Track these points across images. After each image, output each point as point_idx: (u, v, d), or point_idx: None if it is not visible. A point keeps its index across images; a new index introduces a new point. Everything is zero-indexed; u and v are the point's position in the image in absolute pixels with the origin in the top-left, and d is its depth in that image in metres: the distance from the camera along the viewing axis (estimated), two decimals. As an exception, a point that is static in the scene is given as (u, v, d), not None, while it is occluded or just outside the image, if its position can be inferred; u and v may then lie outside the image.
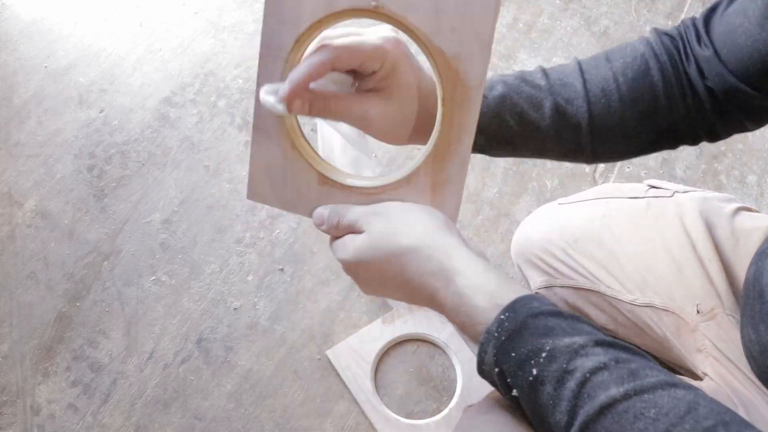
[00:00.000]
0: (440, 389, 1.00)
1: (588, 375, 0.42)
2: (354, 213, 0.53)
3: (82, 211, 1.13)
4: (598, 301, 0.83)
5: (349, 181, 0.55)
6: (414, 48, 0.52)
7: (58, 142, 1.20)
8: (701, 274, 0.74)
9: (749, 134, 1.32)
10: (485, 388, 1.02)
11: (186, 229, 1.12)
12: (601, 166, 1.25)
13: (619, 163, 1.26)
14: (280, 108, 0.49)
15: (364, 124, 0.53)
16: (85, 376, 0.99)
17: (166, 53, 1.33)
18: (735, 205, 0.79)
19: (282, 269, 1.09)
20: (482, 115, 0.53)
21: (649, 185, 0.85)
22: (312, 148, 0.55)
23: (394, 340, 1.02)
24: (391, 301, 1.06)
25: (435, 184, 0.53)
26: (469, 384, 0.99)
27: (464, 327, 0.48)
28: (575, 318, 0.45)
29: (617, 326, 0.86)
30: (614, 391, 0.41)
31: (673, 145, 0.64)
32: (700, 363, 0.74)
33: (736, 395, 0.68)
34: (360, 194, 0.54)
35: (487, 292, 0.47)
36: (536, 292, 0.68)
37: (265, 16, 0.50)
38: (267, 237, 1.12)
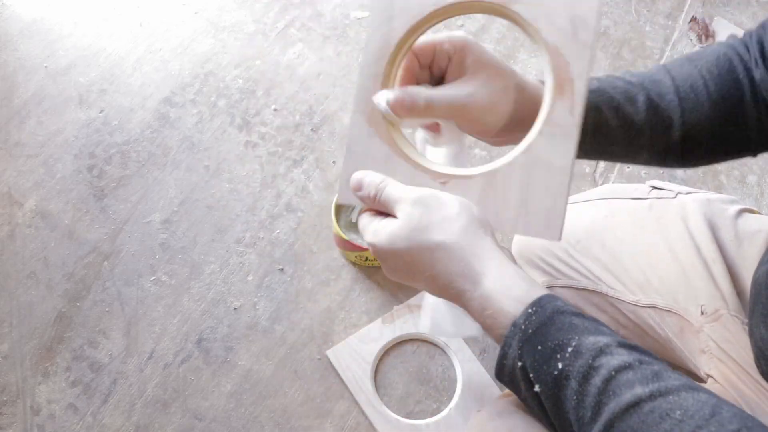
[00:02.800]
0: (440, 389, 1.00)
1: (613, 373, 0.42)
2: (394, 192, 0.52)
3: (82, 211, 1.13)
4: (600, 301, 0.83)
5: (423, 162, 0.55)
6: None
7: (58, 142, 1.20)
8: (705, 276, 0.74)
9: (749, 134, 1.32)
10: (485, 389, 1.02)
11: (186, 229, 1.12)
12: (601, 165, 1.25)
13: (619, 163, 1.26)
14: (389, 112, 0.53)
15: (461, 109, 0.54)
16: (85, 376, 0.99)
17: (166, 53, 1.33)
18: (738, 207, 0.79)
19: (282, 269, 1.09)
20: None
21: (651, 186, 0.85)
22: (412, 146, 0.56)
23: (394, 340, 1.02)
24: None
25: (527, 184, 0.51)
26: (469, 384, 0.99)
27: (489, 328, 0.48)
28: (596, 320, 0.46)
29: (619, 327, 0.86)
30: (640, 390, 0.41)
31: (753, 149, 0.63)
32: (704, 364, 0.74)
33: (741, 398, 0.68)
34: (428, 175, 0.54)
35: (514, 296, 0.46)
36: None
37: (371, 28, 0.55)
38: (267, 237, 1.12)
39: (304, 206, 1.16)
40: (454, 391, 0.99)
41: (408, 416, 0.97)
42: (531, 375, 0.44)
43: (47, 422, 0.95)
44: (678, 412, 0.40)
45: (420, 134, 0.61)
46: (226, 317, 1.05)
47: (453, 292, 0.49)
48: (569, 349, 0.43)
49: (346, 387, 0.99)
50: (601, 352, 0.43)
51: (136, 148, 1.20)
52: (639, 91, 0.60)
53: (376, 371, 1.01)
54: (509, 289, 0.47)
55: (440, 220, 0.49)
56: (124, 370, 1.00)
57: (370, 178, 0.53)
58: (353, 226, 1.08)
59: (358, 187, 0.54)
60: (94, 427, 0.95)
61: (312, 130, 1.25)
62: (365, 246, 1.03)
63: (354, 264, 1.10)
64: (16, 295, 1.05)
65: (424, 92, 0.54)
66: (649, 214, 0.81)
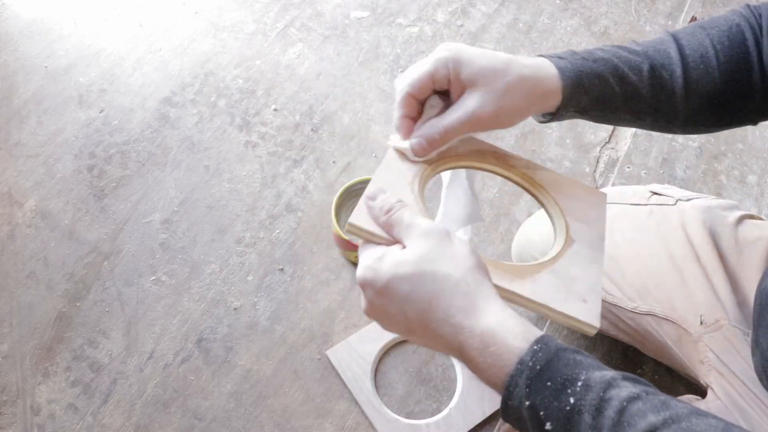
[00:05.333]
0: (440, 389, 1.00)
1: (625, 403, 0.42)
2: (408, 216, 0.51)
3: (82, 211, 1.13)
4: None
5: None
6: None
7: (58, 142, 1.20)
8: (705, 285, 0.74)
9: (749, 134, 1.32)
10: (485, 389, 1.02)
11: (186, 229, 1.12)
12: (601, 165, 1.25)
13: (619, 163, 1.26)
14: (406, 147, 0.58)
15: (475, 123, 0.57)
16: (85, 376, 0.99)
17: (166, 53, 1.33)
18: (738, 214, 0.78)
19: (282, 269, 1.09)
20: (586, 75, 0.58)
21: (651, 191, 0.84)
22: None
23: (394, 340, 1.02)
24: None
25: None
26: (469, 384, 0.99)
27: (488, 368, 0.46)
28: (593, 357, 0.46)
29: (618, 332, 0.85)
30: (653, 418, 0.41)
31: (755, 119, 0.65)
32: (703, 375, 0.73)
33: (742, 416, 0.67)
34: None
35: (518, 332, 0.46)
36: None
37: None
38: (267, 237, 1.12)
39: (304, 206, 1.16)
40: (454, 391, 0.99)
41: (408, 416, 0.97)
42: (541, 413, 0.43)
43: (47, 422, 0.95)
44: None
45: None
46: (226, 317, 1.05)
47: (449, 329, 0.47)
48: (579, 383, 0.43)
49: (346, 387, 0.99)
50: (610, 385, 0.43)
51: (136, 148, 1.20)
52: (643, 60, 0.61)
53: (376, 371, 1.01)
54: (512, 326, 0.46)
55: (450, 255, 0.49)
56: (124, 370, 1.00)
57: (387, 195, 0.53)
58: (353, 226, 1.08)
59: (374, 197, 0.53)
60: (94, 427, 0.95)
61: (312, 130, 1.25)
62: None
63: (354, 264, 1.10)
64: (16, 295, 1.05)
65: (436, 126, 0.57)
66: (649, 221, 0.81)
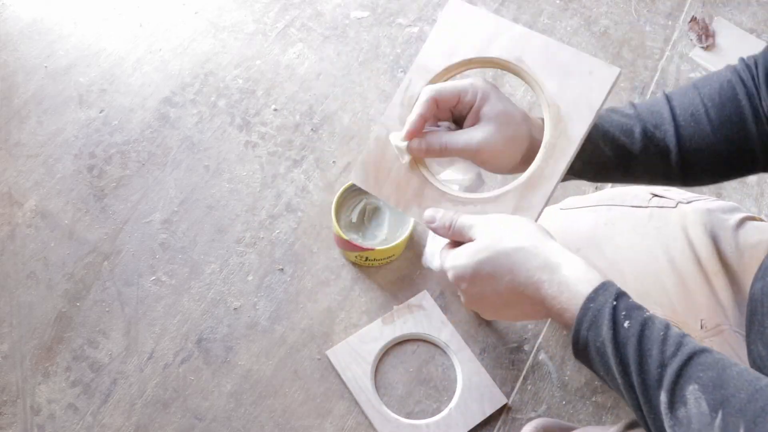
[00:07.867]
0: (440, 389, 1.00)
1: (684, 333, 0.50)
2: (466, 219, 0.60)
3: (82, 211, 1.13)
4: None
5: (446, 189, 0.65)
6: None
7: (58, 142, 1.20)
8: (706, 289, 0.74)
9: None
10: (485, 389, 1.02)
11: (186, 229, 1.12)
12: (601, 166, 1.25)
13: (619, 163, 1.25)
14: (403, 146, 0.64)
15: (474, 154, 0.62)
16: (85, 376, 0.99)
17: (166, 53, 1.33)
18: (739, 216, 0.78)
19: (282, 269, 1.09)
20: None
21: (652, 193, 0.84)
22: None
23: (394, 340, 1.02)
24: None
25: (516, 208, 0.62)
26: (469, 384, 0.99)
27: (562, 312, 0.54)
28: None
29: None
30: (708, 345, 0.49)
31: (762, 169, 0.68)
32: None
33: None
34: (450, 201, 0.64)
35: (588, 279, 0.53)
36: None
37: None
38: (267, 237, 1.12)
39: (304, 206, 1.16)
40: (454, 391, 0.99)
41: (408, 416, 0.97)
42: (623, 314, 0.50)
43: (47, 422, 0.95)
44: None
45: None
46: (226, 317, 1.05)
47: (532, 287, 0.55)
48: (646, 310, 0.51)
49: (346, 387, 0.99)
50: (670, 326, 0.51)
51: (136, 148, 1.20)
52: (635, 123, 0.66)
53: (376, 371, 1.01)
54: (584, 275, 0.53)
55: (512, 230, 0.57)
56: (124, 370, 1.00)
57: (442, 213, 0.61)
58: (353, 226, 1.08)
59: (432, 220, 0.61)
60: (94, 427, 0.95)
61: (312, 130, 1.25)
62: (365, 246, 1.03)
63: (354, 264, 1.10)
64: (16, 295, 1.05)
65: (441, 138, 0.62)
66: (649, 224, 0.81)
